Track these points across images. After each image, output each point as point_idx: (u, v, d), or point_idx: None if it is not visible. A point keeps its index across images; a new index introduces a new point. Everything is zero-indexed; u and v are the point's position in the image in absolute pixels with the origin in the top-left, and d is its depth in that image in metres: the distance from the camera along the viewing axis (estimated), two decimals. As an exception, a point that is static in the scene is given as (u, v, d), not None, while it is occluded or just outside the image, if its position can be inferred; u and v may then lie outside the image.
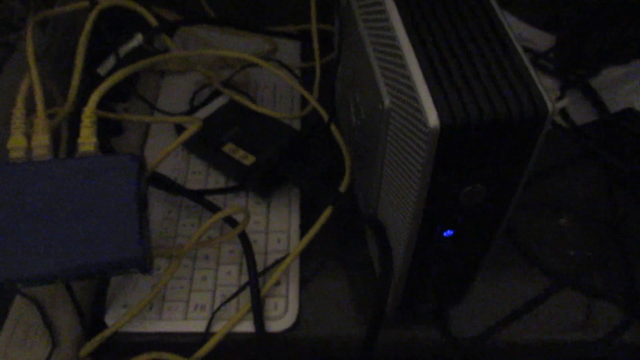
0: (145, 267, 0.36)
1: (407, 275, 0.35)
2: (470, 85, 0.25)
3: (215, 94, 0.53)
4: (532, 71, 0.26)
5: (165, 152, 0.41)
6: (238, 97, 0.51)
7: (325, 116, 0.50)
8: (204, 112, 0.51)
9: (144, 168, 0.38)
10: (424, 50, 0.27)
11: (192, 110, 0.52)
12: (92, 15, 0.45)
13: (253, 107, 0.50)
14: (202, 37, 0.62)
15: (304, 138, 0.48)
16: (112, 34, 0.47)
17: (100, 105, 0.39)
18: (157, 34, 0.48)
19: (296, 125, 0.53)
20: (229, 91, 0.52)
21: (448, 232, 0.31)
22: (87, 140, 0.38)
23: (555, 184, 0.51)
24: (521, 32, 0.64)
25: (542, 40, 0.64)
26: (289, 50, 0.62)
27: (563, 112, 0.55)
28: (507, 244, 0.47)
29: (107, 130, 0.50)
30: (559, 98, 0.56)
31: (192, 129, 0.42)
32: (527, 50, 0.60)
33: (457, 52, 0.26)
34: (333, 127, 0.49)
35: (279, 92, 0.57)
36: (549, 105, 0.25)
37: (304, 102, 0.56)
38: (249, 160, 0.46)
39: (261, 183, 0.46)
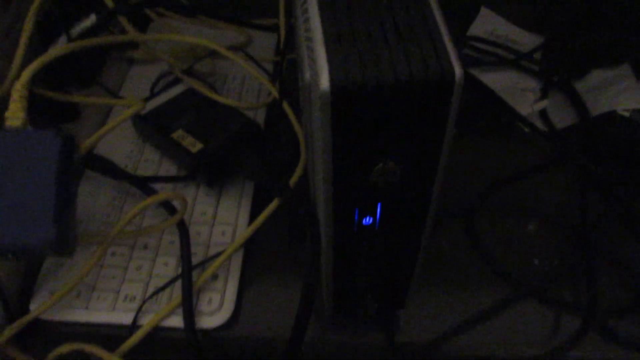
0: (61, 249, 0.34)
1: (334, 272, 0.32)
2: (374, 46, 0.23)
3: (176, 82, 0.51)
4: (444, 35, 0.23)
5: (100, 133, 0.39)
6: (195, 84, 0.49)
7: (285, 106, 0.47)
8: (160, 99, 0.49)
9: (72, 146, 0.36)
10: (332, 13, 0.24)
11: (151, 97, 0.50)
12: (43, -7, 0.43)
13: (209, 94, 0.48)
14: (175, 28, 0.61)
15: (258, 127, 0.46)
16: (66, 14, 0.46)
17: (58, 89, 0.38)
18: (114, 16, 0.47)
19: (260, 116, 0.51)
20: (188, 78, 0.50)
21: (367, 220, 0.28)
22: (14, 115, 0.36)
23: (527, 188, 0.47)
24: (508, 33, 0.61)
25: (530, 41, 0.61)
26: (264, 43, 0.60)
27: (543, 114, 0.52)
28: (470, 249, 0.43)
29: (61, 114, 0.49)
30: (540, 99, 0.53)
31: (129, 111, 0.40)
32: (510, 49, 0.57)
33: (368, 15, 0.24)
34: (289, 112, 0.47)
35: (247, 84, 0.55)
36: (457, 69, 0.22)
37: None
38: (196, 147, 0.44)
39: (208, 172, 0.44)
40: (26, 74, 0.36)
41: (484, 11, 0.61)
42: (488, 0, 0.61)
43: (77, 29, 0.45)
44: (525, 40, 0.61)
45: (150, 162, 0.48)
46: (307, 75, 0.28)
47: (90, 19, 0.45)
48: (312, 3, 0.25)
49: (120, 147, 0.49)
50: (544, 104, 0.52)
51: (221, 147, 0.44)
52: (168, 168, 0.48)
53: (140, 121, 0.47)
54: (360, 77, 0.21)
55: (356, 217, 0.28)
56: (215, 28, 0.62)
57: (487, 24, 0.61)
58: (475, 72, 0.56)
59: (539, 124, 0.52)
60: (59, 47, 0.39)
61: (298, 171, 0.43)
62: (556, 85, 0.54)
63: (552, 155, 0.49)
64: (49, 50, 0.38)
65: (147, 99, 0.49)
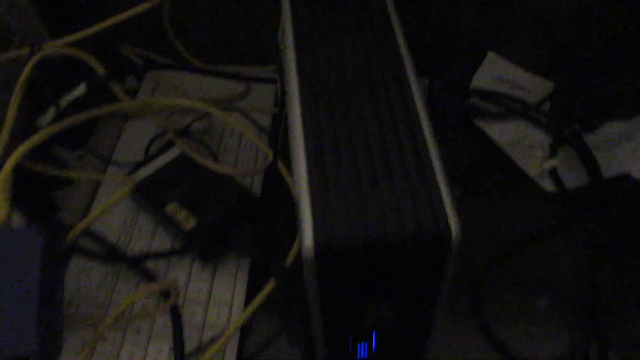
0: (45, 356, 0.32)
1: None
2: (362, 192, 0.21)
3: (171, 144, 0.49)
4: (442, 184, 0.21)
5: (87, 221, 0.38)
6: (188, 151, 0.47)
7: (284, 170, 0.46)
8: (153, 165, 0.48)
9: (57, 238, 0.34)
10: (318, 149, 0.22)
11: (147, 160, 0.48)
12: (30, 64, 0.42)
13: (203, 162, 0.46)
14: (173, 79, 0.59)
15: (253, 198, 0.45)
16: (56, 82, 0.44)
17: (48, 154, 0.37)
18: (105, 84, 0.45)
19: (257, 181, 0.49)
20: (182, 142, 0.48)
21: (363, 346, 0.26)
22: (-3, 207, 0.35)
23: (535, 256, 0.45)
24: (516, 79, 0.59)
25: (539, 87, 0.58)
26: (264, 93, 0.59)
27: (553, 173, 0.50)
28: (473, 327, 0.41)
29: (52, 182, 0.47)
30: (550, 155, 0.51)
31: (117, 194, 0.38)
32: (517, 101, 0.55)
33: (358, 153, 0.22)
34: (286, 175, 0.45)
35: (245, 140, 0.53)
36: (454, 226, 0.20)
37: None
38: (189, 223, 0.43)
39: (202, 249, 0.43)
40: (7, 168, 0.35)
41: (490, 56, 0.59)
42: (496, 43, 0.59)
43: (66, 99, 0.44)
44: (534, 85, 0.58)
45: (144, 231, 0.47)
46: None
47: (80, 89, 0.44)
48: (296, 130, 0.23)
49: (114, 216, 0.47)
50: (553, 163, 0.49)
51: (216, 223, 0.42)
52: (163, 238, 0.46)
53: (133, 191, 0.46)
54: (347, 233, 0.20)
55: (350, 343, 0.26)
56: (219, 78, 0.60)
57: (494, 69, 0.59)
58: (480, 123, 0.54)
59: (548, 183, 0.50)
60: (44, 130, 0.38)
61: (294, 250, 0.42)
62: (566, 140, 0.52)
63: (562, 218, 0.47)
64: (30, 137, 0.37)
65: (139, 165, 0.48)
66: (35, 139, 0.37)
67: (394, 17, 0.32)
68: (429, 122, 0.24)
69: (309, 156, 0.22)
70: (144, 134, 0.53)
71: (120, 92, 0.47)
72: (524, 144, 0.52)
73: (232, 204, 0.44)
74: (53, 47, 0.45)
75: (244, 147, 0.52)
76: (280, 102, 0.41)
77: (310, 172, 0.21)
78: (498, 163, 0.51)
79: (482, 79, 0.59)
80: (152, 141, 0.51)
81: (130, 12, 0.46)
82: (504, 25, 0.56)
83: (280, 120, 0.49)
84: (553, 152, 0.51)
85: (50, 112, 0.44)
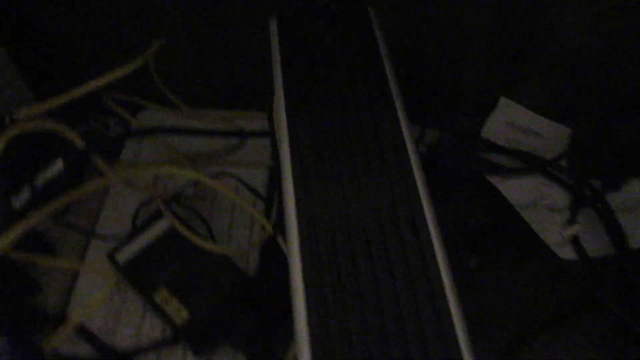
0: None
1: None
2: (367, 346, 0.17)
3: (159, 214, 0.45)
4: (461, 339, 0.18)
5: (67, 328, 0.34)
6: (178, 225, 0.43)
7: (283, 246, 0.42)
8: (141, 241, 0.44)
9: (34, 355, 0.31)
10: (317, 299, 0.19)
11: (134, 232, 0.45)
12: (1, 144, 0.38)
13: (194, 240, 0.42)
14: (165, 121, 0.56)
15: (249, 281, 0.41)
16: (30, 158, 0.40)
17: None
18: (86, 157, 0.41)
19: (254, 255, 0.45)
20: (170, 214, 0.44)
21: None
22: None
23: (557, 340, 0.42)
24: (531, 125, 0.55)
25: (557, 134, 0.54)
26: (260, 142, 0.55)
27: (574, 240, 0.46)
28: None
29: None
30: (570, 220, 0.47)
31: (100, 295, 0.35)
32: (532, 156, 0.51)
33: (366, 305, 0.19)
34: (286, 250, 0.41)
35: (239, 204, 0.49)
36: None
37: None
38: (181, 316, 0.39)
39: (194, 343, 0.39)
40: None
41: (503, 101, 0.55)
42: (510, 87, 0.55)
43: (42, 178, 0.40)
44: (551, 132, 0.54)
45: (133, 314, 0.43)
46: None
47: (57, 166, 0.40)
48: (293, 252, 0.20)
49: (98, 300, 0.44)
50: (573, 230, 0.46)
51: (209, 316, 0.39)
52: (153, 322, 0.43)
53: (120, 272, 0.42)
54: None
55: None
56: (208, 122, 0.56)
57: (507, 115, 0.55)
58: (494, 179, 0.50)
59: (568, 251, 0.46)
60: (19, 226, 0.34)
61: (293, 351, 0.38)
62: (587, 201, 0.48)
63: (584, 293, 0.44)
64: (6, 233, 0.33)
65: (124, 242, 0.44)
66: (14, 232, 0.33)
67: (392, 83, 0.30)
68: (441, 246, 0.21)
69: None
70: (130, 200, 0.49)
71: (102, 165, 0.43)
72: (541, 206, 0.48)
73: (227, 291, 0.40)
74: (26, 121, 0.41)
75: (239, 213, 0.48)
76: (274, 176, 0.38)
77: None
78: (515, 226, 0.48)
79: (494, 126, 0.55)
80: (138, 210, 0.47)
81: (111, 75, 0.42)
82: (518, 67, 0.52)
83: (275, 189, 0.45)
84: (573, 215, 0.47)
85: (26, 192, 0.40)
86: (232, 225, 0.48)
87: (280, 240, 0.43)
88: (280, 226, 0.44)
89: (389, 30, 0.36)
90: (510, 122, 0.55)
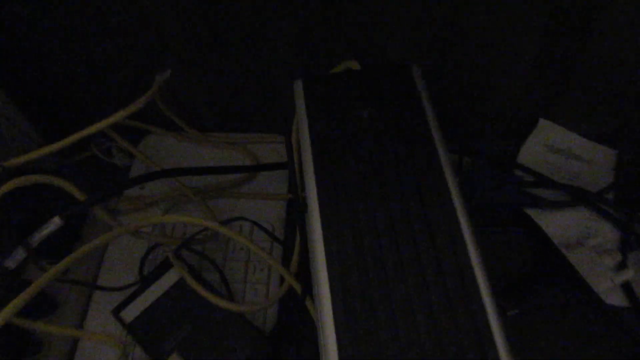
0: None
1: None
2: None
3: (167, 263, 0.42)
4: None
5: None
6: (189, 278, 0.39)
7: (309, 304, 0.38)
8: (148, 296, 0.40)
9: None
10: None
11: (141, 284, 0.41)
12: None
13: (206, 296, 0.38)
14: (172, 146, 0.52)
15: (268, 343, 0.37)
16: (22, 220, 0.37)
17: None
18: (86, 211, 0.37)
19: (272, 312, 0.41)
20: (180, 264, 0.41)
21: None
22: None
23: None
24: (572, 147, 0.50)
25: (599, 156, 0.49)
26: (276, 172, 0.50)
27: (626, 286, 0.42)
28: None
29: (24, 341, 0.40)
30: (621, 264, 0.42)
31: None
32: (576, 190, 0.46)
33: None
34: (313, 312, 0.38)
35: (255, 252, 0.45)
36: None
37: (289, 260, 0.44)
38: (195, 389, 0.35)
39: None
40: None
41: (542, 123, 0.50)
42: (549, 108, 0.49)
43: (37, 238, 0.36)
44: (594, 155, 0.49)
45: (143, 375, 0.40)
46: None
47: (54, 224, 0.36)
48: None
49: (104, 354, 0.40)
50: (625, 275, 0.41)
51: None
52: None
53: (126, 331, 0.39)
54: None
55: None
56: (219, 147, 0.52)
57: (546, 137, 0.50)
58: (533, 214, 0.45)
59: (618, 298, 0.42)
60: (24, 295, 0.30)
61: None
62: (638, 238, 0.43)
63: (638, 344, 0.39)
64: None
65: (130, 296, 0.40)
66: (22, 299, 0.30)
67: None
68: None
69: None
70: (135, 247, 0.45)
71: (106, 216, 0.39)
72: (588, 246, 0.44)
73: (248, 353, 0.36)
74: (20, 167, 0.37)
75: (254, 261, 0.44)
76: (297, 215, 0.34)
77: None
78: (558, 268, 0.43)
79: (532, 149, 0.50)
80: (144, 258, 0.43)
81: (117, 116, 0.38)
82: (561, 88, 0.47)
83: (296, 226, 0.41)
84: (624, 258, 0.42)
85: (20, 253, 0.36)
86: (247, 268, 0.44)
87: (309, 304, 0.39)
88: (303, 280, 0.40)
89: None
90: (549, 144, 0.50)
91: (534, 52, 0.42)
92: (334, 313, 0.20)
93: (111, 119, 0.38)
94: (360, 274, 0.22)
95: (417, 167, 0.26)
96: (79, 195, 0.37)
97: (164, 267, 0.42)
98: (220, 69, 0.47)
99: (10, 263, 0.37)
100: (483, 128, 0.50)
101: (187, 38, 0.43)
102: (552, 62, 0.43)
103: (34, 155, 0.37)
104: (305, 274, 0.40)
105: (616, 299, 0.42)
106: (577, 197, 0.45)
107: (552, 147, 0.50)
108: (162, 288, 0.41)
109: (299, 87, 0.31)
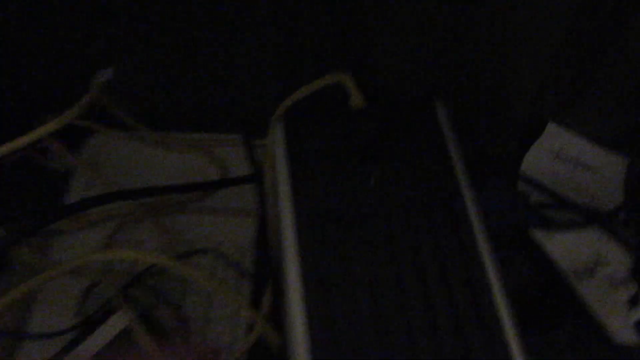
0: None
1: None
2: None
3: (111, 306, 0.35)
4: None
5: None
6: (137, 328, 0.33)
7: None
8: (90, 343, 0.33)
9: None
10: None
11: (82, 328, 0.34)
12: None
13: (155, 354, 0.32)
14: (120, 150, 0.44)
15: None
16: None
17: None
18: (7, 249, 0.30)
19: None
20: (128, 308, 0.34)
21: None
22: None
23: None
24: (579, 154, 0.44)
25: (611, 165, 0.44)
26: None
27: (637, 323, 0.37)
28: None
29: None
30: (635, 299, 0.38)
31: None
32: (586, 210, 0.40)
33: None
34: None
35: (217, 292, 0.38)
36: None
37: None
38: None
39: None
40: None
41: (550, 127, 0.44)
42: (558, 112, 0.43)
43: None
44: (605, 163, 0.44)
45: None
46: None
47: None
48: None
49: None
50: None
51: None
52: None
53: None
54: None
55: None
56: (174, 150, 0.45)
57: (554, 143, 0.44)
58: (540, 236, 0.40)
59: (629, 335, 0.37)
60: None
61: None
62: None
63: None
64: None
65: (69, 345, 0.34)
66: None
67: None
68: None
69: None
70: (72, 284, 0.37)
71: (31, 258, 0.31)
72: (600, 276, 0.39)
73: None
74: None
75: (217, 303, 0.37)
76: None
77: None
78: (566, 297, 0.39)
79: (538, 157, 0.44)
80: (86, 295, 0.36)
81: (44, 130, 0.30)
82: (575, 91, 0.41)
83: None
84: (638, 292, 0.38)
85: None
86: (210, 308, 0.37)
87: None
88: (275, 321, 0.34)
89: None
90: (556, 152, 0.44)
91: (552, 50, 0.36)
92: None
93: (43, 130, 0.30)
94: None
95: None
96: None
97: (108, 310, 0.35)
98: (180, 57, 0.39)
99: None
100: (494, 135, 0.44)
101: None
102: (570, 61, 0.37)
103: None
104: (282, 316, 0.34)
105: (628, 338, 0.37)
106: (588, 218, 0.40)
107: (559, 154, 0.44)
108: (106, 336, 0.34)
109: (279, 134, 0.23)
